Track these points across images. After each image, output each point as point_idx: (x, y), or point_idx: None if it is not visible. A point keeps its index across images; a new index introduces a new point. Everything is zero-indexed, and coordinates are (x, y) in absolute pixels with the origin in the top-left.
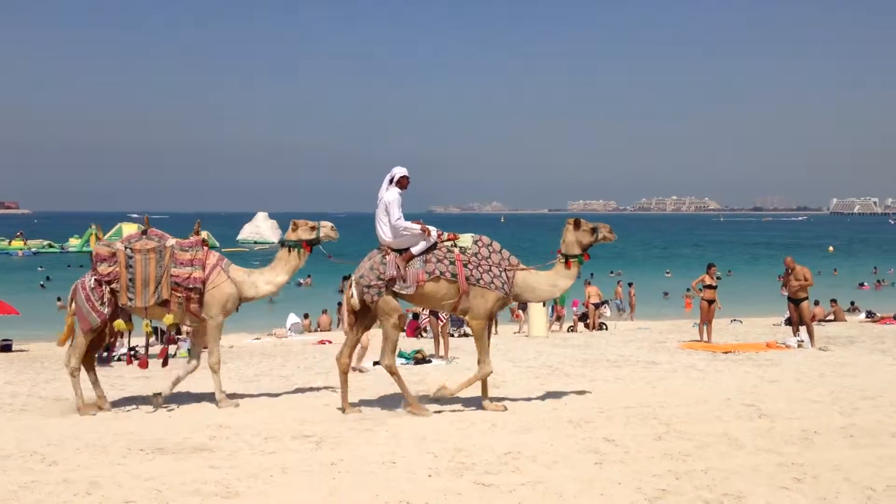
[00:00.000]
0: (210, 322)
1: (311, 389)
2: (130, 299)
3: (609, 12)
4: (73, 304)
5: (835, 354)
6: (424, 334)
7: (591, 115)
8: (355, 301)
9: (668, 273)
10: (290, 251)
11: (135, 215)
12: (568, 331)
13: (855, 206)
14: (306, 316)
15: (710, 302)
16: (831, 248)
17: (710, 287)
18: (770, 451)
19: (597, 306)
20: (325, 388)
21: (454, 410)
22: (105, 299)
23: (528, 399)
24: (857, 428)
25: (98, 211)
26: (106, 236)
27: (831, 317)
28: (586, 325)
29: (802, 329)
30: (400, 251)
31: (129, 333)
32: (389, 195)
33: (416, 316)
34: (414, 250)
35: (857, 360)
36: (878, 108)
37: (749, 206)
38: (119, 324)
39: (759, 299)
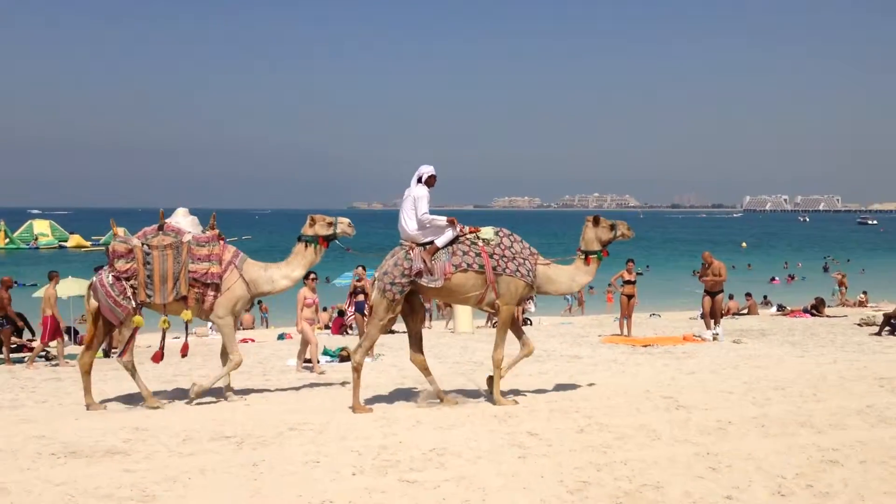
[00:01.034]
0: (218, 322)
1: (232, 389)
2: (149, 296)
3: (526, 6)
4: (94, 303)
5: (748, 347)
6: (350, 332)
7: (519, 113)
8: (378, 298)
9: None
10: (306, 246)
11: (36, 211)
12: (493, 326)
13: (766, 204)
14: None
15: (630, 297)
16: (744, 244)
17: (629, 282)
18: (686, 442)
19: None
20: (247, 388)
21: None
22: (127, 293)
23: (454, 395)
24: (768, 418)
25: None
26: (16, 234)
27: (745, 310)
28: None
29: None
30: (424, 245)
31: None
32: (418, 191)
33: (341, 313)
34: (438, 242)
35: (769, 352)
36: (788, 108)
37: (667, 204)
38: (138, 319)
39: (677, 294)
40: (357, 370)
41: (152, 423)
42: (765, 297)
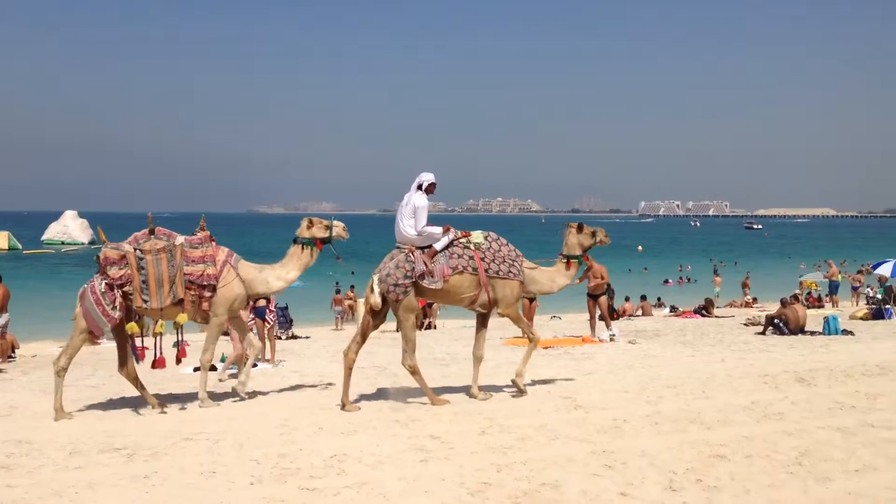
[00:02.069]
0: (213, 320)
1: (123, 399)
2: (146, 301)
3: (430, 9)
4: (80, 308)
5: (642, 347)
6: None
7: (421, 117)
8: (376, 299)
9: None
10: (302, 248)
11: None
12: (396, 330)
13: (660, 209)
14: None
15: (531, 300)
16: (640, 248)
17: None
18: (584, 441)
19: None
20: (140, 397)
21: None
22: (117, 303)
23: (356, 400)
24: (661, 415)
25: None
26: None
27: (639, 312)
28: (421, 325)
29: (613, 324)
30: (422, 249)
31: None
32: (419, 200)
33: None
34: (437, 246)
35: (662, 352)
36: (681, 117)
37: (568, 209)
38: (132, 326)
39: (577, 297)
40: (414, 372)
41: (37, 436)
42: (658, 298)
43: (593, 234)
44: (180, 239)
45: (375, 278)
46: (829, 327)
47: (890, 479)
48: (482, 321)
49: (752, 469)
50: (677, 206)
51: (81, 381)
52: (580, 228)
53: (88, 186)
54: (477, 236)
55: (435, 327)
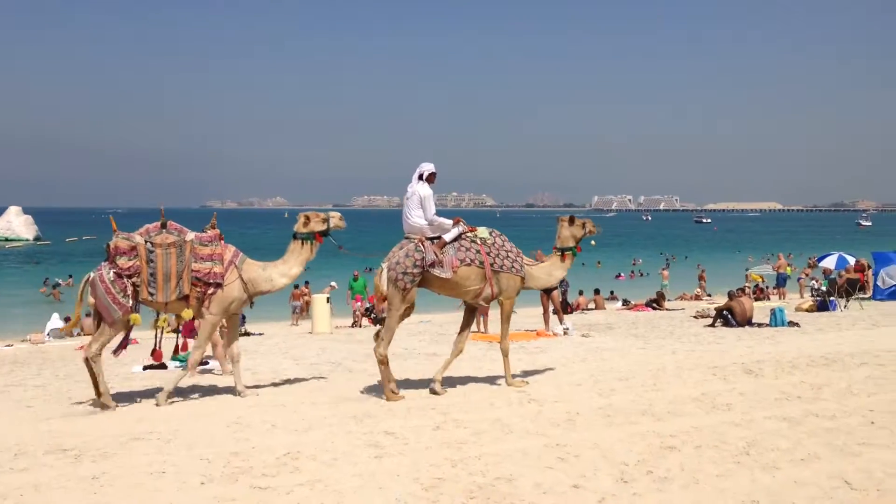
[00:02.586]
0: (208, 317)
1: (70, 399)
2: (152, 294)
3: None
4: (88, 297)
5: (595, 340)
6: None
7: (374, 112)
8: (384, 287)
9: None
10: (302, 243)
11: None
12: (352, 326)
13: (613, 203)
14: (67, 319)
15: None
16: (593, 243)
17: None
18: (538, 434)
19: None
20: (89, 396)
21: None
22: (127, 291)
23: (310, 397)
24: (613, 408)
25: None
26: None
27: (592, 305)
28: (372, 321)
29: (567, 318)
30: (432, 239)
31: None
32: (424, 190)
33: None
34: (447, 237)
35: (615, 344)
36: (632, 113)
37: (522, 203)
38: (135, 317)
39: (531, 291)
40: (382, 363)
41: None
42: (611, 292)
43: (583, 226)
44: (191, 235)
45: (385, 266)
46: (776, 319)
47: (833, 468)
48: (469, 318)
49: (701, 459)
50: (629, 200)
51: (28, 381)
52: (572, 221)
53: (33, 182)
54: (482, 231)
55: None
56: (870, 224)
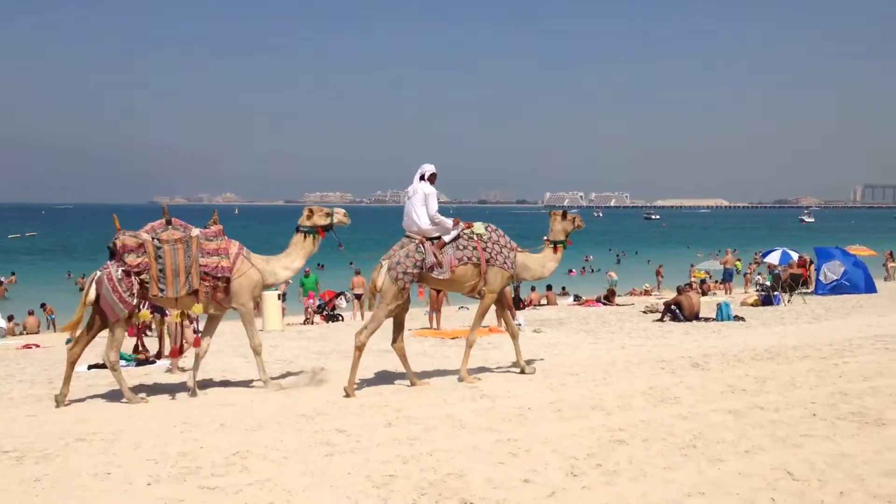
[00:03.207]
0: (242, 309)
1: (11, 399)
2: (161, 290)
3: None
4: (92, 296)
5: (547, 335)
6: (149, 332)
7: (329, 108)
8: (381, 284)
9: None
10: (305, 237)
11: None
12: (303, 323)
13: (565, 200)
14: (10, 318)
15: (439, 291)
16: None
17: None
18: (489, 430)
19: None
20: (30, 395)
21: (184, 412)
22: (133, 290)
23: (260, 395)
24: (564, 402)
25: None
26: None
27: (544, 301)
28: (325, 318)
29: (519, 313)
30: (432, 240)
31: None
32: (427, 188)
33: None
34: (446, 238)
35: (566, 339)
36: (582, 112)
37: (475, 200)
38: (145, 314)
39: None
40: (360, 349)
41: None
42: (563, 288)
43: (573, 220)
44: (196, 231)
45: (385, 264)
46: (722, 314)
47: (776, 459)
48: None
49: (649, 452)
50: (581, 197)
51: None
52: (564, 216)
53: None
54: (479, 227)
55: (342, 319)
56: (812, 220)
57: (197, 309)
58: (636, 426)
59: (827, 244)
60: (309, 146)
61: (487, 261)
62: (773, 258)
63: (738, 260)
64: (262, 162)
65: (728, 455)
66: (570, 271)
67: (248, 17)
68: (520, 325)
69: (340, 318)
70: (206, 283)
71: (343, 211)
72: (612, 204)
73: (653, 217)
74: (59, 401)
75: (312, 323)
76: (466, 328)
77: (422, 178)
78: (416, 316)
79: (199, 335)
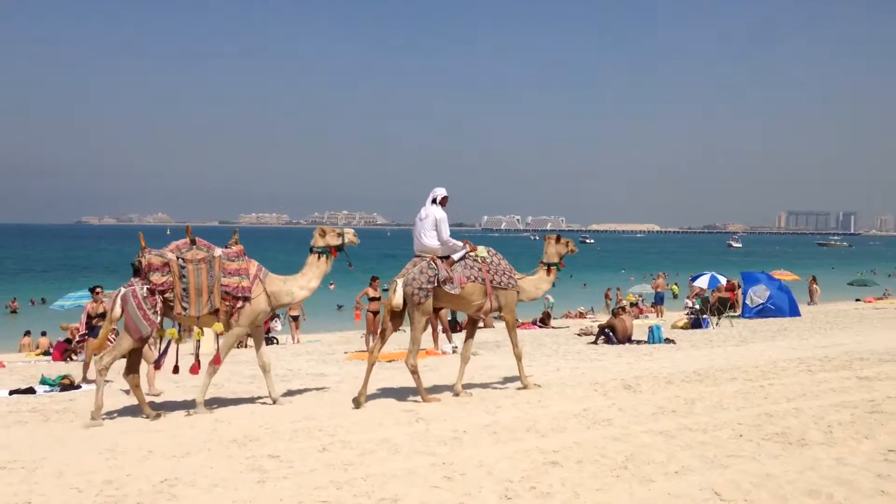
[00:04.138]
0: (235, 329)
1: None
2: (185, 308)
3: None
4: (118, 313)
5: (483, 358)
6: (75, 357)
7: (265, 123)
8: (398, 301)
9: (331, 285)
10: (319, 257)
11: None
12: (237, 347)
13: (502, 223)
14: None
15: (375, 313)
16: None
17: (374, 299)
18: (425, 453)
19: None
20: None
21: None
22: (158, 308)
23: (190, 421)
24: (499, 425)
25: None
26: None
27: (481, 324)
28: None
29: (455, 336)
30: (442, 259)
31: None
32: (440, 213)
33: (68, 340)
34: (455, 257)
35: (502, 362)
36: (520, 136)
37: (413, 222)
38: (172, 332)
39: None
40: (415, 372)
41: None
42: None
43: (567, 244)
44: (218, 251)
45: (399, 282)
46: (654, 336)
47: (704, 480)
48: (472, 330)
49: (582, 474)
50: (517, 220)
51: None
52: (557, 240)
53: None
54: (482, 251)
55: (277, 342)
56: (740, 245)
57: (217, 328)
58: (570, 448)
59: (753, 269)
60: (244, 165)
61: (492, 282)
62: (702, 282)
63: (675, 284)
64: (195, 181)
65: (658, 476)
66: None
67: (178, 30)
68: (456, 347)
69: (275, 340)
70: (227, 303)
71: (352, 231)
72: (549, 227)
73: (587, 241)
74: (95, 416)
75: (245, 346)
76: (404, 351)
77: (434, 201)
78: (353, 339)
79: (217, 354)
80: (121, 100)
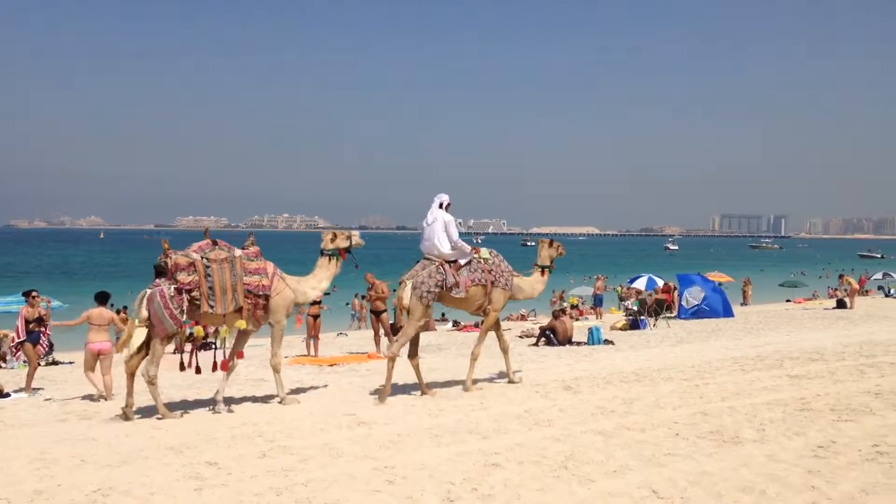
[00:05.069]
0: (277, 326)
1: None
2: (212, 306)
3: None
4: (144, 314)
5: (426, 361)
6: (4, 364)
7: (201, 124)
8: (407, 302)
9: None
10: (329, 259)
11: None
12: (174, 353)
13: None
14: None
15: (316, 317)
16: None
17: (315, 303)
18: (366, 457)
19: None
20: None
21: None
22: (184, 307)
23: (125, 429)
24: (441, 428)
25: None
26: None
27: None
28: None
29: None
30: (449, 263)
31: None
32: (447, 217)
33: None
34: (462, 261)
35: (444, 365)
36: (461, 141)
37: (355, 225)
38: (199, 330)
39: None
40: (392, 360)
41: None
42: (443, 314)
43: (558, 248)
44: (238, 251)
45: (409, 283)
46: (593, 338)
47: (642, 478)
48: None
49: (523, 475)
50: (460, 223)
51: None
52: (550, 244)
53: None
54: (485, 252)
55: (215, 347)
56: (676, 248)
57: (241, 325)
58: (511, 449)
59: (689, 271)
60: (181, 167)
61: (492, 282)
62: (640, 284)
63: (620, 286)
64: (130, 183)
65: (597, 475)
66: None
67: (104, 32)
68: None
69: (213, 345)
70: (249, 301)
71: (357, 233)
72: (491, 230)
73: (529, 244)
74: (128, 413)
75: (183, 352)
76: (344, 355)
77: (440, 206)
78: (294, 343)
79: (238, 352)
80: (50, 100)
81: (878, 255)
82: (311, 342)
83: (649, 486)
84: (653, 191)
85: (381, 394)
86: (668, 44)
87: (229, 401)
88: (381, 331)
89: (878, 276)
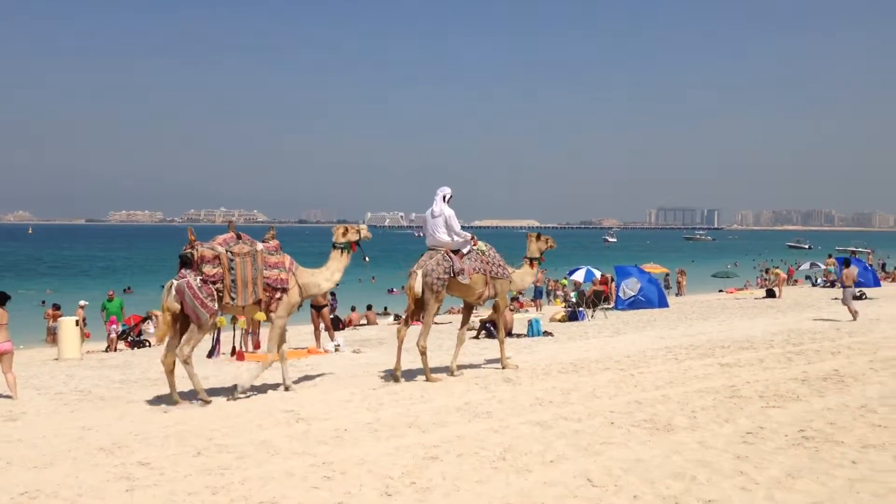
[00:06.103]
0: (277, 321)
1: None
2: (233, 298)
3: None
4: (176, 305)
5: (367, 356)
6: None
7: (135, 118)
8: (419, 290)
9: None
10: (341, 252)
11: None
12: (105, 351)
13: (386, 220)
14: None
15: (320, 308)
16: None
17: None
18: (304, 454)
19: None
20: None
21: None
22: (214, 296)
23: (53, 429)
24: (380, 422)
25: None
26: None
27: (364, 321)
28: (129, 344)
29: (338, 334)
30: (454, 252)
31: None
32: (448, 210)
33: None
34: (464, 251)
35: (386, 360)
36: (402, 133)
37: (295, 219)
38: (221, 320)
39: (303, 309)
40: (423, 352)
41: None
42: (385, 308)
43: (546, 241)
44: (260, 245)
45: (419, 272)
46: (533, 329)
47: (578, 467)
48: (467, 316)
49: (462, 467)
50: (401, 217)
51: None
52: (538, 237)
53: None
54: (481, 245)
55: (150, 345)
56: (615, 240)
57: (259, 317)
58: (451, 442)
59: (626, 263)
60: (113, 160)
61: (491, 273)
62: (578, 276)
63: (565, 278)
64: (59, 177)
65: (535, 465)
66: (392, 290)
67: (51, 23)
68: (338, 345)
69: (147, 343)
70: (267, 294)
71: (365, 227)
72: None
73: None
74: (176, 399)
75: (115, 350)
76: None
77: (443, 199)
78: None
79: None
80: None
81: (806, 246)
82: (250, 338)
83: (585, 474)
84: (592, 185)
85: (430, 379)
86: (600, 37)
87: (162, 399)
88: (322, 325)
89: (806, 266)
